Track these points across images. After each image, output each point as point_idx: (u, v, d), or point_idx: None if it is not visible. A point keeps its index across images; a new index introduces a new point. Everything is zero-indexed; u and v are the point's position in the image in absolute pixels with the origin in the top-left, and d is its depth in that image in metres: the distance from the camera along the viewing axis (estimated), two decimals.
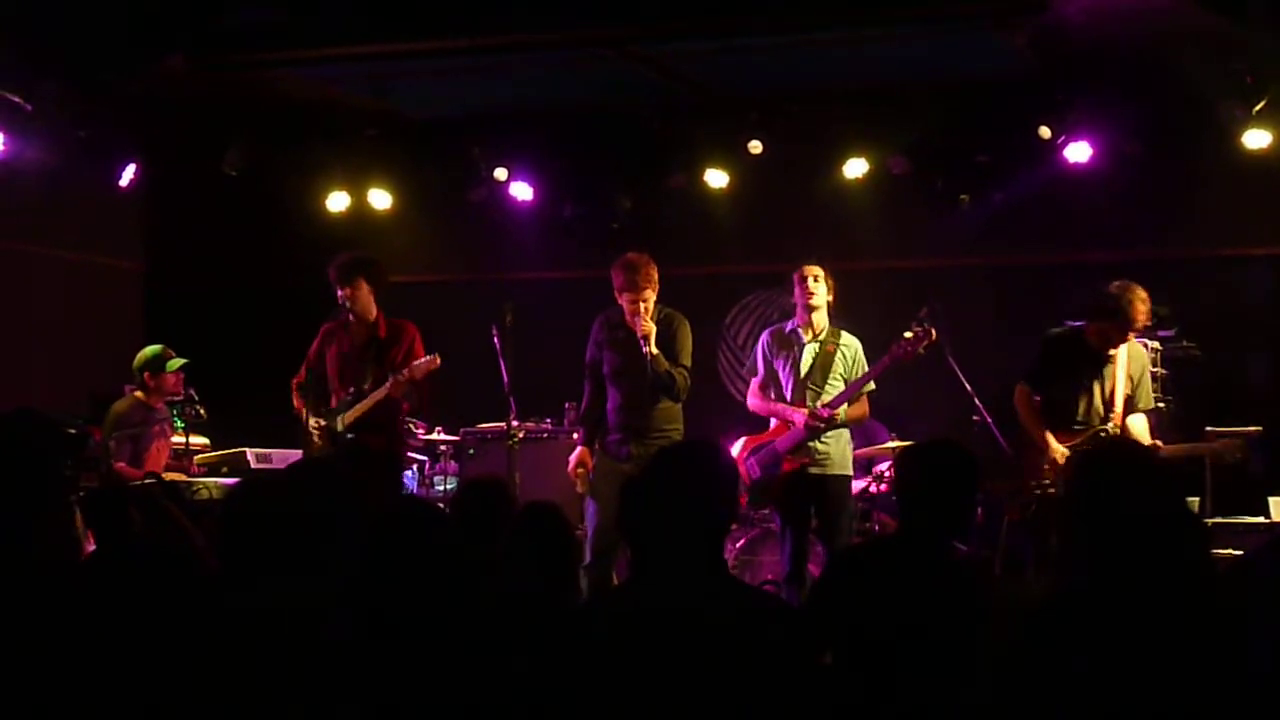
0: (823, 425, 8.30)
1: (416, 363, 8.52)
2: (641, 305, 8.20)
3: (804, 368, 8.45)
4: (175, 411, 9.71)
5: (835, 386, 8.42)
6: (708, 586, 3.91)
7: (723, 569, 4.10)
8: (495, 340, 8.87)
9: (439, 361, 8.56)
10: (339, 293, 8.65)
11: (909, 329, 8.37)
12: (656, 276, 8.28)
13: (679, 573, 3.90)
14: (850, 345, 8.52)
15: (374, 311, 8.74)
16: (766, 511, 9.19)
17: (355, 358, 8.68)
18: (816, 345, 8.48)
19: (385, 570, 3.67)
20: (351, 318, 8.71)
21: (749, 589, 4.44)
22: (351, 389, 8.59)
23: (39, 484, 5.06)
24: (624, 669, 3.79)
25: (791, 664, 3.89)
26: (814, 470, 8.37)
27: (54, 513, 5.13)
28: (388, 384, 8.48)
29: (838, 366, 8.46)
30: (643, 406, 8.28)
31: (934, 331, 8.35)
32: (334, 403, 8.65)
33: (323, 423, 8.58)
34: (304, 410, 8.70)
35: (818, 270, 8.48)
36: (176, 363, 9.42)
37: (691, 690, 3.74)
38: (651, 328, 8.20)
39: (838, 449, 8.43)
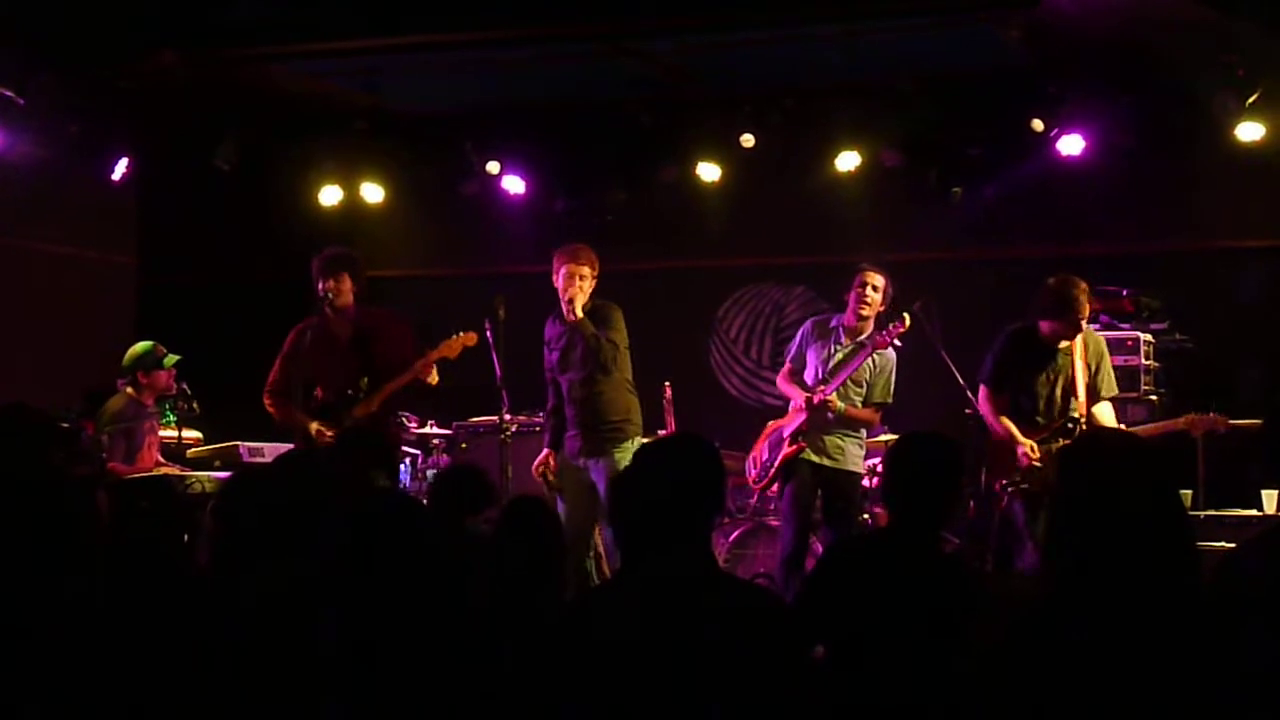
0: (817, 410, 8.35)
1: (451, 340, 8.59)
2: (573, 275, 8.42)
3: (832, 364, 8.56)
4: (168, 406, 9.70)
5: (856, 391, 8.48)
6: (695, 580, 3.91)
7: (711, 563, 4.10)
8: (488, 334, 8.87)
9: (475, 339, 8.67)
10: (322, 284, 8.63)
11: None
12: (593, 258, 8.52)
13: (666, 567, 3.90)
14: (884, 355, 8.59)
15: (352, 307, 8.73)
16: (771, 506, 9.23)
17: (342, 354, 8.64)
18: (852, 346, 8.58)
19: (371, 566, 3.67)
20: (330, 312, 8.67)
21: (739, 582, 4.44)
22: (349, 389, 8.56)
23: (32, 479, 5.06)
24: (614, 663, 3.79)
25: (783, 658, 3.89)
26: (826, 463, 8.49)
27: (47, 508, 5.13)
28: (413, 370, 8.51)
29: (863, 371, 8.55)
30: (587, 398, 8.43)
31: (906, 317, 8.42)
32: (318, 402, 8.61)
33: (327, 430, 8.47)
34: (284, 415, 8.66)
35: (879, 280, 8.58)
36: (172, 359, 9.41)
37: (682, 684, 3.74)
38: (576, 292, 8.40)
39: (853, 448, 8.57)
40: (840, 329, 8.65)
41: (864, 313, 8.56)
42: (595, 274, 8.53)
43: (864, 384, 8.57)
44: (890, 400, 8.64)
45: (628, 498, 4.00)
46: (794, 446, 8.49)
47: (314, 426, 8.48)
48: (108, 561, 3.78)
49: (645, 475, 4.03)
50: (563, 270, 8.49)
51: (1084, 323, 8.26)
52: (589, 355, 8.39)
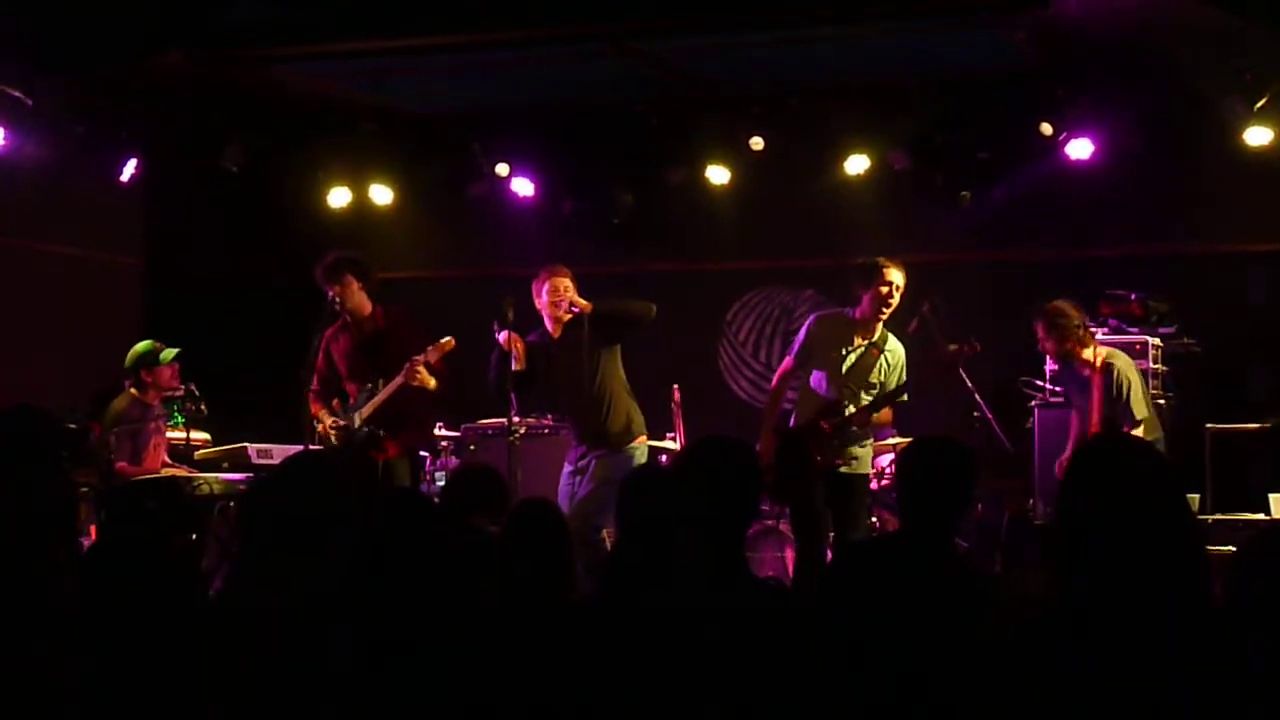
0: (844, 423, 8.21)
1: (431, 347, 8.54)
2: (556, 286, 8.49)
3: (845, 366, 8.30)
4: (175, 407, 9.70)
5: (870, 394, 8.26)
6: (734, 584, 3.90)
7: (745, 566, 4.10)
8: (496, 336, 8.88)
9: (453, 343, 8.58)
10: (329, 291, 8.68)
11: (953, 342, 8.40)
12: (571, 274, 8.60)
13: (706, 569, 3.89)
14: (895, 352, 8.34)
15: (368, 306, 8.77)
16: (777, 510, 9.17)
17: (362, 354, 8.71)
18: (864, 346, 8.31)
19: (381, 568, 3.67)
20: (348, 316, 8.74)
21: (774, 586, 4.44)
22: (368, 385, 8.61)
23: (37, 479, 5.06)
24: (648, 665, 3.78)
25: (813, 661, 3.88)
26: (840, 470, 8.27)
27: (51, 507, 5.14)
28: (402, 373, 8.49)
29: (878, 372, 8.29)
30: (588, 405, 8.43)
31: (979, 346, 8.36)
32: (351, 402, 8.71)
33: (340, 422, 8.59)
34: (321, 415, 8.71)
35: (900, 278, 8.23)
36: (170, 353, 9.38)
37: (702, 688, 3.73)
38: (573, 294, 8.49)
39: (866, 452, 8.41)
40: (853, 328, 8.33)
41: (885, 314, 8.24)
42: (575, 289, 8.56)
43: (878, 384, 8.28)
44: (907, 397, 8.37)
45: (661, 498, 3.99)
46: (827, 460, 8.26)
47: (329, 423, 8.59)
48: (106, 562, 3.77)
49: (690, 475, 4.01)
50: (545, 286, 8.52)
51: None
52: (613, 313, 8.44)
